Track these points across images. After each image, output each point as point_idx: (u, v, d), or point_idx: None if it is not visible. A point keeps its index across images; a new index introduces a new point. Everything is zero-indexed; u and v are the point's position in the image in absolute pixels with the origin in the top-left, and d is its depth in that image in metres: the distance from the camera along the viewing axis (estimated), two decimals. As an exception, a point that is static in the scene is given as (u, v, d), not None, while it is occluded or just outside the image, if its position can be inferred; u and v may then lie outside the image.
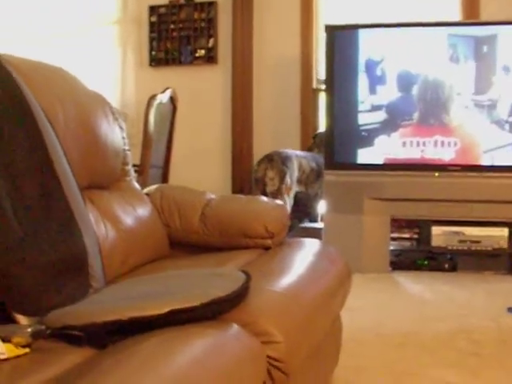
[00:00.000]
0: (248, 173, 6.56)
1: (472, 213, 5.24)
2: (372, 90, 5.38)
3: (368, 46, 5.38)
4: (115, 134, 2.86)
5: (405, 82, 5.34)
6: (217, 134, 6.91)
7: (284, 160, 5.62)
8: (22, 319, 1.83)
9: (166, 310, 1.69)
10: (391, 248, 5.44)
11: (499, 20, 5.33)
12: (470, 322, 3.97)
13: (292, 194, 5.67)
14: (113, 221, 2.62)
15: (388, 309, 4.30)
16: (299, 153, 5.97)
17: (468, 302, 4.45)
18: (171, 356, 1.54)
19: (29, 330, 1.67)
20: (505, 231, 5.23)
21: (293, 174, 5.64)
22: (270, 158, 5.66)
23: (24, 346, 1.62)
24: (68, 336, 1.69)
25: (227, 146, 6.84)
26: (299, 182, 5.80)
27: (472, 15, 6.07)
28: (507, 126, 5.19)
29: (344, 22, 5.73)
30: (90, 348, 1.66)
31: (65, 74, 2.70)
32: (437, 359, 3.35)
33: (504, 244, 5.23)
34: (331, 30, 5.42)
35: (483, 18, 6.00)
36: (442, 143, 5.28)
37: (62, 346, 1.68)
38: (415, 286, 4.94)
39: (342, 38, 5.43)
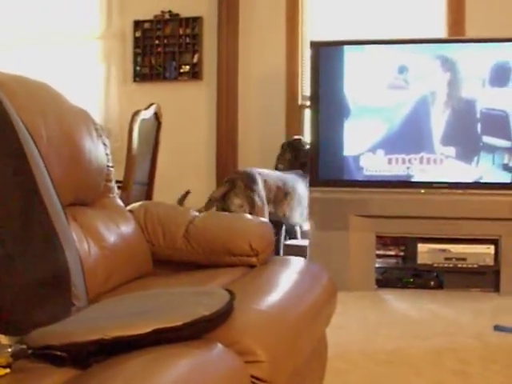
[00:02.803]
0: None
1: (458, 230, 5.24)
2: (357, 107, 5.39)
3: (353, 62, 5.38)
4: (99, 151, 2.84)
5: (390, 99, 5.35)
6: (202, 151, 6.90)
7: (248, 183, 5.40)
8: (3, 339, 1.79)
9: (149, 329, 1.67)
10: (377, 265, 5.43)
11: (483, 37, 5.35)
12: (456, 340, 3.96)
13: (266, 214, 5.48)
14: (96, 238, 2.60)
15: (374, 327, 4.29)
16: (262, 171, 5.75)
17: (454, 320, 4.44)
18: (155, 376, 1.51)
19: (9, 349, 1.64)
20: (491, 248, 5.23)
21: (260, 195, 5.44)
22: (232, 183, 5.42)
23: (4, 367, 1.59)
24: (50, 356, 1.66)
25: (212, 163, 6.83)
26: (268, 201, 5.55)
27: (457, 32, 6.09)
28: (492, 143, 5.20)
29: (329, 38, 5.75)
30: (72, 368, 1.63)
31: (48, 89, 2.68)
32: (423, 377, 3.34)
33: (490, 261, 5.23)
34: (316, 47, 5.43)
35: (468, 35, 6.02)
36: (428, 160, 5.29)
37: (44, 366, 1.65)
38: (401, 303, 4.93)
39: (327, 55, 5.44)
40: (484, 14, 6.08)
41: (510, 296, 5.09)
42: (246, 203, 5.33)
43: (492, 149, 5.20)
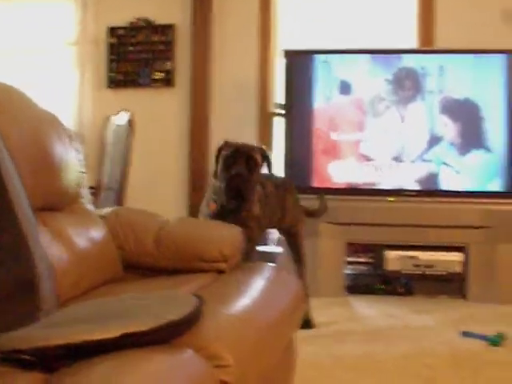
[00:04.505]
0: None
1: (426, 237, 5.29)
2: (329, 114, 5.42)
3: (326, 70, 5.42)
4: (70, 156, 2.84)
5: (361, 107, 5.39)
6: (174, 157, 6.90)
7: None
8: (-29, 343, 1.79)
9: (117, 333, 1.67)
10: (347, 272, 5.46)
11: (452, 48, 5.43)
12: (423, 346, 3.99)
13: None
14: (66, 243, 2.60)
15: (343, 333, 4.31)
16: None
17: (422, 326, 4.48)
18: (123, 381, 1.51)
19: (-23, 353, 1.63)
20: (459, 256, 5.28)
21: None
22: None
23: (-28, 371, 1.58)
24: (18, 360, 1.65)
25: (184, 169, 6.83)
26: None
27: (426, 43, 6.13)
28: (461, 151, 5.27)
29: (300, 47, 5.79)
30: (41, 372, 1.63)
31: (16, 93, 2.66)
32: (391, 383, 3.37)
33: (458, 268, 5.29)
34: (290, 55, 5.46)
35: (438, 46, 6.07)
36: (397, 168, 5.33)
37: (12, 370, 1.64)
38: (370, 310, 4.96)
39: (300, 63, 5.47)
40: (454, 25, 6.13)
41: (477, 303, 5.15)
42: None
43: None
